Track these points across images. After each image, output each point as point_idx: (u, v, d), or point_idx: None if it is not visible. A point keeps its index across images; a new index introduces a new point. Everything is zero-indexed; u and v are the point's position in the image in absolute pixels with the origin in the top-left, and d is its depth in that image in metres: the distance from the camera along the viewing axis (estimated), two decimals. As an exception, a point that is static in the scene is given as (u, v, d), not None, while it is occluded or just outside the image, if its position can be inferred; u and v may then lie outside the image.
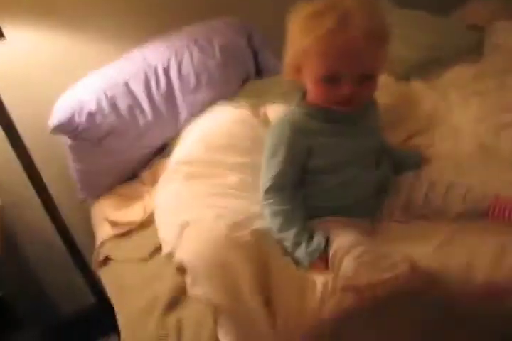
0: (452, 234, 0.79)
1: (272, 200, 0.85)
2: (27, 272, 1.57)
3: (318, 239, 0.79)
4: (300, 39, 0.81)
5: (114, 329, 0.96)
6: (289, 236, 0.81)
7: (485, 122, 1.09)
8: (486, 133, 1.06)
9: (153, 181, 1.23)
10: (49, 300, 1.65)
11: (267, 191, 0.86)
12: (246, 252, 0.78)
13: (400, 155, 1.02)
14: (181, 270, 0.82)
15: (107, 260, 1.11)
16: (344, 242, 0.76)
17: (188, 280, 0.79)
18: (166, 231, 0.92)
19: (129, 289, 0.95)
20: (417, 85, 1.34)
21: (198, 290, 0.77)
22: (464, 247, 0.76)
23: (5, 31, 1.13)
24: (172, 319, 0.79)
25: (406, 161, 1.01)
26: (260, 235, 0.82)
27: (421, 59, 1.57)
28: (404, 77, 1.51)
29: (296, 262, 0.80)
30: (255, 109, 1.15)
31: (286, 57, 0.86)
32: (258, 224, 0.85)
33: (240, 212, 0.88)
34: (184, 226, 0.86)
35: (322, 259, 0.78)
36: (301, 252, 0.79)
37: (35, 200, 1.38)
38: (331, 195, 0.87)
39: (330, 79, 0.81)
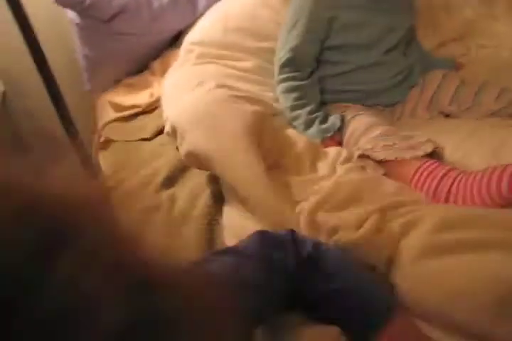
0: (477, 128, 0.73)
1: (287, 75, 0.79)
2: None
3: (333, 119, 0.74)
4: None
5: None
6: (302, 113, 0.75)
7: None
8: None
9: (163, 71, 1.16)
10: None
11: (283, 65, 0.79)
12: (240, 111, 0.70)
13: (431, 58, 0.94)
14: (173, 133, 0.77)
15: (107, 143, 1.07)
16: (361, 124, 0.71)
17: (178, 139, 0.73)
18: (170, 109, 0.87)
19: (128, 167, 0.92)
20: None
21: (185, 144, 0.71)
22: (491, 138, 0.70)
23: None
24: (167, 192, 0.76)
25: (436, 65, 0.92)
26: (262, 113, 0.75)
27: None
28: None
29: None
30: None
31: None
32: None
33: (251, 93, 0.82)
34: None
35: (335, 140, 0.73)
36: (313, 130, 0.74)
37: (41, 89, 1.32)
38: (351, 77, 0.80)
39: None
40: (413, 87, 0.84)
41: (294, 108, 0.77)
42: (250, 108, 0.71)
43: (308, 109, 0.75)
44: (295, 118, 0.77)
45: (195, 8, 1.17)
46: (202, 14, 1.18)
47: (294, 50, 0.79)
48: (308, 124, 0.75)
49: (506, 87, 0.79)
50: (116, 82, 1.29)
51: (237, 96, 0.75)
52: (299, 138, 0.71)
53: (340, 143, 0.73)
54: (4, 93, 1.44)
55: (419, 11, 1.02)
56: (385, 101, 0.82)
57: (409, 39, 0.87)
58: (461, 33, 1.09)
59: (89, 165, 1.40)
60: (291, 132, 0.73)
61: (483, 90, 0.79)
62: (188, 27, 1.18)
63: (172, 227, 0.66)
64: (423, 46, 1.02)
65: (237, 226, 0.67)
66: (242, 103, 0.73)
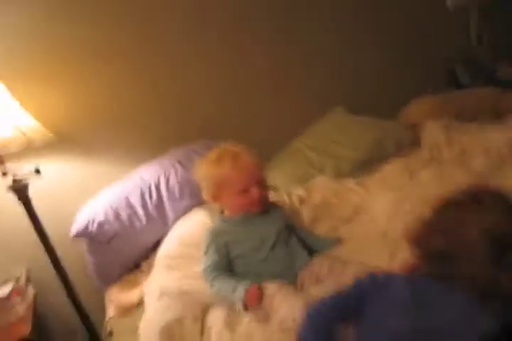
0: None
1: (210, 278, 1.23)
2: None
3: (245, 283, 1.16)
4: (213, 179, 1.29)
5: None
6: (227, 291, 1.18)
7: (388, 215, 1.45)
8: (387, 221, 1.41)
9: (149, 269, 1.61)
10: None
11: (205, 274, 1.25)
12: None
13: (317, 241, 1.38)
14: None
15: (111, 334, 1.45)
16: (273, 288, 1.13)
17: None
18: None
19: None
20: (348, 183, 1.72)
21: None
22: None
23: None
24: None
25: (321, 246, 1.36)
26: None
27: (365, 158, 1.98)
28: (350, 173, 1.90)
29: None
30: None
31: (206, 196, 1.33)
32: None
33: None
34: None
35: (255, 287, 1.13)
36: (236, 295, 1.14)
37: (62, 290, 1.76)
38: (255, 270, 1.24)
39: (243, 191, 1.26)
40: (301, 268, 1.26)
41: (218, 292, 1.19)
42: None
43: (228, 287, 1.18)
44: (223, 297, 1.18)
45: (166, 223, 1.68)
46: (173, 224, 1.68)
47: (210, 266, 1.25)
48: (232, 294, 1.15)
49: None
50: (119, 277, 1.73)
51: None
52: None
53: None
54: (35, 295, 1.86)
55: (313, 208, 1.51)
56: (284, 279, 1.22)
57: (287, 235, 1.32)
58: (348, 215, 1.55)
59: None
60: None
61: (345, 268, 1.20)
62: (163, 236, 1.67)
63: None
64: (321, 229, 1.48)
65: None
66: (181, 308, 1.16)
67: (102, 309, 1.70)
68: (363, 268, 1.16)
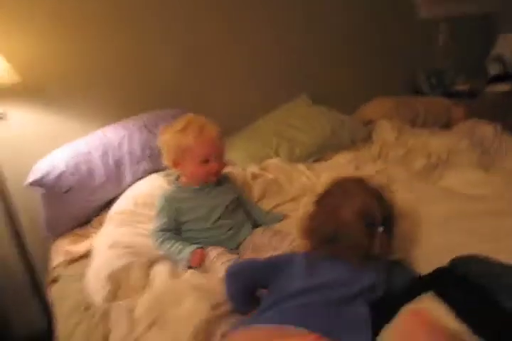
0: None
1: (160, 238, 1.33)
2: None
3: (191, 247, 1.29)
4: (176, 147, 1.37)
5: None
6: (173, 252, 1.29)
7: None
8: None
9: (100, 225, 1.68)
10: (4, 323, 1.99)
11: (154, 234, 1.35)
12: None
13: (262, 216, 1.51)
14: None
15: (55, 280, 1.53)
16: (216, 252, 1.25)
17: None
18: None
19: (66, 299, 1.37)
20: (300, 167, 1.86)
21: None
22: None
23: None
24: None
25: (268, 220, 1.49)
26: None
27: (319, 145, 2.11)
28: (303, 158, 2.04)
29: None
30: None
31: (167, 161, 1.42)
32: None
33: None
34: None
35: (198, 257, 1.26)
36: (181, 256, 1.27)
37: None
38: (202, 236, 1.35)
39: (204, 161, 1.36)
40: (245, 238, 1.38)
41: (168, 250, 1.30)
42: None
43: (176, 247, 1.30)
44: (170, 254, 1.29)
45: (122, 184, 1.75)
46: (128, 186, 1.76)
47: (160, 226, 1.36)
48: (178, 254, 1.27)
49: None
50: (68, 232, 1.80)
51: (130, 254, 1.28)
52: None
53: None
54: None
55: (267, 183, 1.63)
56: (226, 247, 1.34)
57: (235, 206, 1.44)
58: (295, 195, 1.69)
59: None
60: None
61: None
62: (117, 196, 1.75)
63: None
64: (268, 205, 1.60)
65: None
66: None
67: (47, 260, 1.78)
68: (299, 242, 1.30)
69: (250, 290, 1.08)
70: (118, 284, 1.22)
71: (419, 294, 0.99)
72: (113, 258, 1.29)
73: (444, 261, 1.04)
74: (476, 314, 0.90)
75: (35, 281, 1.85)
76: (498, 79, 2.79)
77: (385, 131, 2.21)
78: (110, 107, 1.98)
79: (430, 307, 0.92)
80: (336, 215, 1.03)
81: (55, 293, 1.46)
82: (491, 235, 1.20)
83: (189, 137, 1.35)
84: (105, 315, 1.13)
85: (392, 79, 2.73)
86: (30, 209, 1.86)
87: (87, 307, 1.24)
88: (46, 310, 1.85)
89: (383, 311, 0.98)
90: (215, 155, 1.38)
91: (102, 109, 1.97)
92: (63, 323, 1.28)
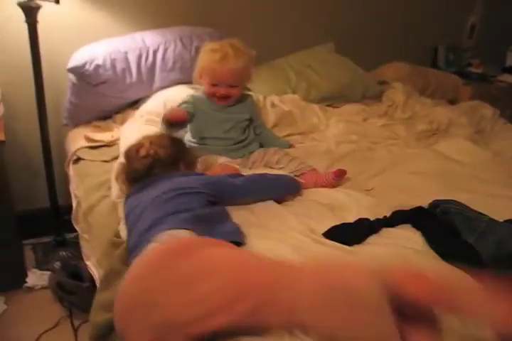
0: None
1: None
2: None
3: None
4: (202, 62, 1.55)
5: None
6: None
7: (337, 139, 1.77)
8: (334, 145, 1.73)
9: (122, 122, 1.82)
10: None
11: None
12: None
13: (275, 140, 1.68)
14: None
15: (77, 160, 1.67)
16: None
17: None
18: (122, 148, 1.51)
19: (90, 176, 1.53)
20: (314, 107, 2.00)
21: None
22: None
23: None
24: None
25: (276, 144, 1.66)
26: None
27: (332, 92, 2.24)
28: (316, 102, 2.17)
29: None
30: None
31: (195, 73, 1.60)
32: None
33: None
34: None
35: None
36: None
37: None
38: (211, 143, 1.56)
39: (214, 84, 1.55)
40: (252, 152, 1.56)
41: None
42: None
43: None
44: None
45: (151, 87, 1.87)
46: (156, 91, 1.87)
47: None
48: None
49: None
50: (86, 123, 1.92)
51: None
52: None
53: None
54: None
55: (282, 115, 1.78)
56: (231, 156, 1.53)
57: (246, 126, 1.62)
58: (305, 130, 1.84)
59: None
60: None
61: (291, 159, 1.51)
62: (145, 97, 1.87)
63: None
64: (279, 133, 1.76)
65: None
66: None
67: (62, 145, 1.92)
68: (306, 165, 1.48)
69: None
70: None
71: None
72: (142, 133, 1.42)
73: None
74: (443, 241, 1.11)
75: (47, 161, 1.95)
76: (512, 70, 2.92)
77: (396, 93, 2.34)
78: (148, 15, 2.05)
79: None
80: (137, 156, 1.24)
81: (77, 170, 1.61)
82: (469, 189, 1.40)
83: (211, 59, 1.52)
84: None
85: (415, 49, 2.82)
86: (56, 94, 1.95)
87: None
88: (51, 190, 1.99)
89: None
90: (226, 84, 1.55)
91: (142, 13, 2.04)
92: (86, 196, 1.45)
